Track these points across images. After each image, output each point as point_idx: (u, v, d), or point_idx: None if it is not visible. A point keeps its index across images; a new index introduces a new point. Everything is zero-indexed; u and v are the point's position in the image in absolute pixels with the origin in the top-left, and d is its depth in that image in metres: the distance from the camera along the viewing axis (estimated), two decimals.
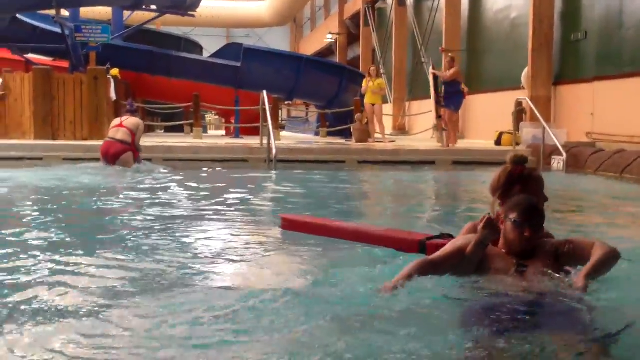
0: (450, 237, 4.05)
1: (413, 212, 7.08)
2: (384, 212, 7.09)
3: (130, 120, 11.01)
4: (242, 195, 8.09)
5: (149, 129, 19.25)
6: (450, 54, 15.80)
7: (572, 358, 2.47)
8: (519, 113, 16.51)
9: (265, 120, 13.09)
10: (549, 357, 2.48)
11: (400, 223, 5.74)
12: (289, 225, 5.10)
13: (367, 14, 31.44)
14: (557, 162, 12.47)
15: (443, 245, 3.66)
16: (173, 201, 7.33)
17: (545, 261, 3.31)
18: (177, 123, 19.99)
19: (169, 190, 8.45)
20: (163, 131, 22.94)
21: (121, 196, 7.81)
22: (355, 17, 34.81)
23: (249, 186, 9.37)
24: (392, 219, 6.40)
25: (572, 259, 3.38)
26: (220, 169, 11.85)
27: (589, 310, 2.89)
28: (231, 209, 6.79)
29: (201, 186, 9.07)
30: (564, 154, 12.19)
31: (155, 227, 5.43)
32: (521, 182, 3.66)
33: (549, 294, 3.09)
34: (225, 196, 7.83)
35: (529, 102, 14.10)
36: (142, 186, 8.76)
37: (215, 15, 45.69)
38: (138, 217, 6.00)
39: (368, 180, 11.39)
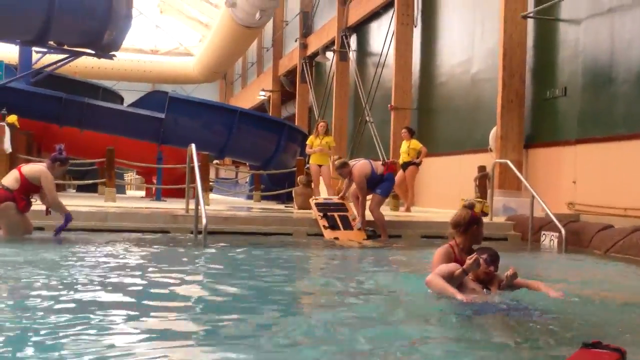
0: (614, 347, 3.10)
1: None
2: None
3: (30, 167, 8.84)
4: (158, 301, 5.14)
5: (59, 188, 16.32)
6: (336, 158, 13.01)
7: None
8: (482, 179, 14.45)
9: (193, 181, 10.54)
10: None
11: None
12: None
13: (305, 69, 29.42)
14: (550, 239, 10.26)
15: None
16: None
17: (497, 286, 5.24)
18: (89, 182, 17.11)
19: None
20: (75, 190, 20.12)
21: None
22: (290, 74, 32.81)
23: (168, 279, 6.15)
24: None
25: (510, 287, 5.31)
26: (126, 245, 8.72)
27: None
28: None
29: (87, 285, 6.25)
30: (562, 229, 9.93)
31: None
32: (477, 222, 5.60)
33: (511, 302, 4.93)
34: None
35: (512, 166, 11.97)
36: None
37: (140, 69, 43.33)
38: None
39: (329, 261, 8.67)
